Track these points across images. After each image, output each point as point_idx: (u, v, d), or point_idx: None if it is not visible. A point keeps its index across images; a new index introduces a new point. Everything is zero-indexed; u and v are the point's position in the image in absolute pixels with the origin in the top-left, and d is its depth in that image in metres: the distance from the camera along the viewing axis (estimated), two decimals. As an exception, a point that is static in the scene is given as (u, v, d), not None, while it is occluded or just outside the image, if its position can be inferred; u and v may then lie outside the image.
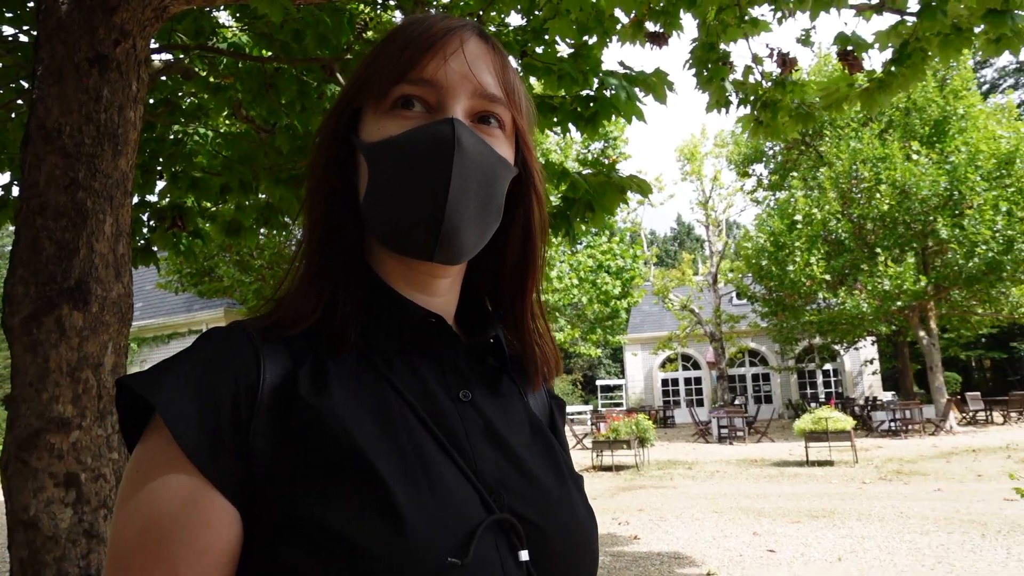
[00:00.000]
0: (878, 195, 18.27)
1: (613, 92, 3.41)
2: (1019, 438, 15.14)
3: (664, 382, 30.00)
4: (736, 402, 25.26)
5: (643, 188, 3.99)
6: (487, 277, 0.79)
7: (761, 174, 28.12)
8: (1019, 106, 35.22)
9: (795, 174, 22.37)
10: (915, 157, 18.34)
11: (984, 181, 17.44)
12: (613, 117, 3.80)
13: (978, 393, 21.51)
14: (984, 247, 16.83)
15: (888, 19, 4.01)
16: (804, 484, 10.54)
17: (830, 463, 12.65)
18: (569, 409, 28.36)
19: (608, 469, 13.55)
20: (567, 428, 19.58)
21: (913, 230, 18.49)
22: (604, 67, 3.87)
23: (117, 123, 2.38)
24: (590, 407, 29.62)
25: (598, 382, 33.86)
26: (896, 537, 6.73)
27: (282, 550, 0.56)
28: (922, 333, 19.36)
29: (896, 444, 15.61)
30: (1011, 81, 38.79)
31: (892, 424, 17.57)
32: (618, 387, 33.21)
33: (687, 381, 29.67)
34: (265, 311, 0.69)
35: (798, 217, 19.88)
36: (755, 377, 28.74)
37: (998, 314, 20.03)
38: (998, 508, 7.79)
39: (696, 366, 29.46)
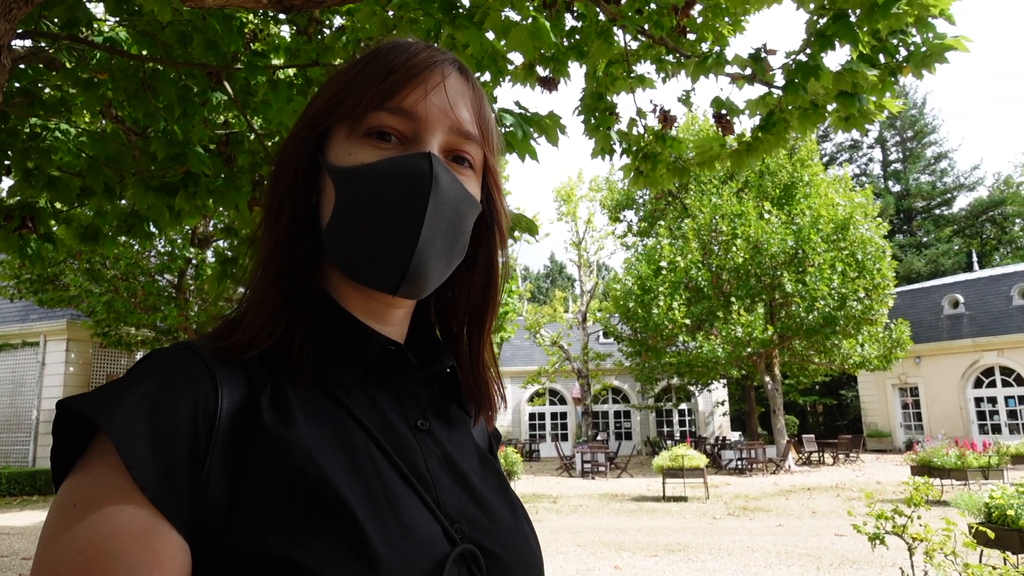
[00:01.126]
0: (734, 248, 19.74)
1: (509, 130, 3.48)
2: (846, 478, 16.63)
3: (532, 415, 30.43)
4: (599, 437, 26.04)
5: (531, 228, 4.07)
6: (442, 309, 0.78)
7: (631, 220, 29.60)
8: (853, 178, 39.47)
9: (662, 223, 23.73)
10: (767, 216, 20.02)
11: (824, 243, 19.34)
12: (507, 155, 3.89)
13: (812, 435, 23.48)
14: (822, 302, 18.57)
15: (758, 89, 4.41)
16: (661, 519, 10.99)
17: (684, 499, 13.29)
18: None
19: (473, 503, 13.47)
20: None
21: (763, 283, 20.08)
22: (499, 105, 3.96)
23: (-28, 111, 2.15)
24: (457, 439, 29.38)
25: (466, 414, 33.76)
26: (743, 570, 7.15)
27: None
28: (767, 378, 20.95)
29: (742, 481, 16.66)
30: (847, 155, 43.49)
31: (739, 462, 18.77)
32: (485, 420, 33.24)
33: (553, 416, 30.26)
34: (214, 332, 0.65)
35: (663, 263, 21.05)
36: (617, 414, 29.80)
37: (831, 363, 22.07)
38: (830, 543, 8.48)
39: (563, 401, 30.14)
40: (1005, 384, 25.36)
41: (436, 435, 0.68)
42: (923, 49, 3.91)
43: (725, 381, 27.59)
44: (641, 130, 5.34)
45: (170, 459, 0.53)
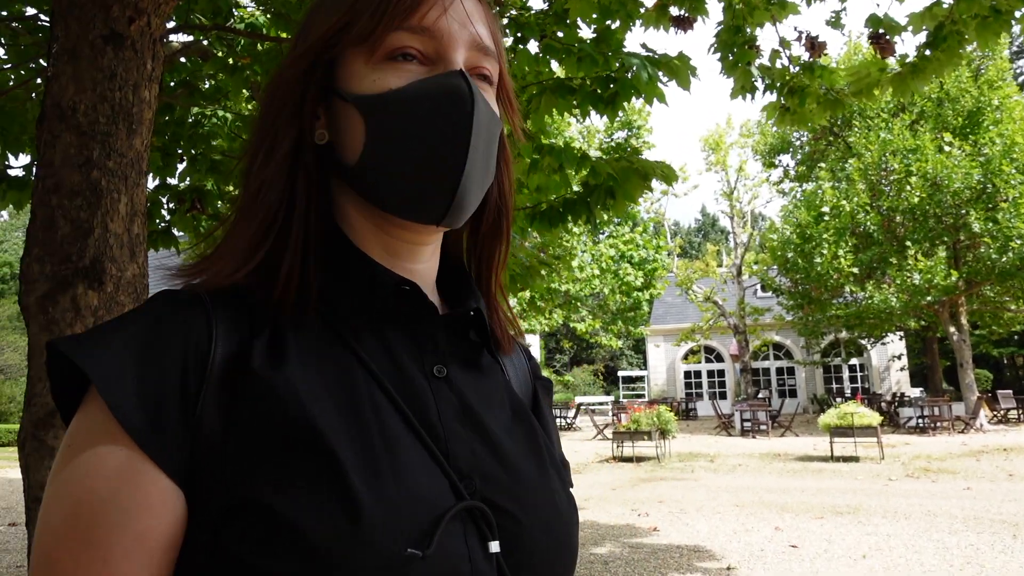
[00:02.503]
0: (908, 187, 17.90)
1: (634, 72, 3.33)
2: (1051, 437, 14.81)
3: (687, 374, 29.80)
4: (760, 395, 25.01)
5: (668, 175, 3.90)
6: (464, 241, 0.73)
7: (788, 165, 27.72)
8: (1058, 97, 34.19)
9: (823, 165, 21.98)
10: (947, 149, 17.92)
11: (1020, 174, 17.00)
12: (635, 100, 3.73)
13: (1010, 391, 21.08)
14: (1019, 241, 16.40)
15: (923, 0, 3.90)
16: (828, 480, 10.38)
17: (855, 459, 12.46)
18: (590, 399, 28.33)
19: (628, 460, 13.48)
20: (588, 418, 19.53)
21: (944, 223, 18.09)
22: (625, 50, 3.79)
23: (132, 102, 2.36)
24: (611, 398, 29.55)
25: (620, 373, 33.75)
26: (923, 536, 6.59)
27: (225, 536, 0.50)
28: (952, 329, 18.97)
29: (924, 441, 15.34)
30: (1051, 71, 37.74)
31: (920, 421, 17.26)
32: (640, 378, 33.07)
33: (710, 373, 29.44)
34: (189, 267, 0.62)
35: (826, 209, 19.55)
36: (779, 371, 28.42)
37: (1031, 310, 19.56)
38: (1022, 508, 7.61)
39: (719, 358, 29.21)
40: None
41: (455, 383, 0.63)
42: None
43: (902, 333, 25.32)
44: (786, 62, 4.92)
45: (158, 403, 0.52)
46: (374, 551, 0.49)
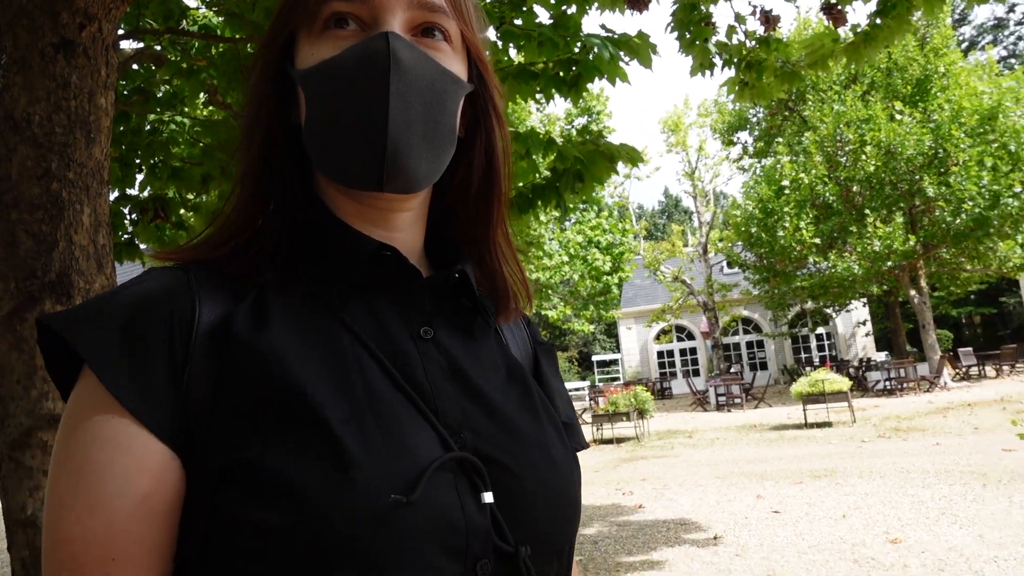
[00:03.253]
0: (863, 157, 18.28)
1: (596, 53, 3.34)
2: (1013, 390, 15.30)
3: (660, 354, 30.12)
4: (732, 370, 25.40)
5: (633, 157, 3.93)
6: (451, 207, 0.73)
7: (746, 142, 28.10)
8: (999, 62, 35.25)
9: (780, 140, 22.33)
10: (899, 117, 18.33)
11: (968, 138, 17.45)
12: (597, 83, 3.75)
13: (970, 349, 21.72)
14: (971, 203, 16.87)
15: (872, -30, 3.98)
16: (804, 446, 10.61)
17: (828, 424, 12.75)
18: (567, 385, 28.40)
19: (609, 442, 13.60)
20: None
21: (900, 190, 18.53)
22: (585, 32, 3.80)
23: (88, 110, 2.30)
24: (587, 383, 29.72)
25: (594, 358, 33.96)
26: (898, 492, 6.78)
27: (221, 497, 0.52)
28: (913, 292, 19.48)
29: (892, 402, 15.75)
30: (989, 38, 38.76)
31: (887, 383, 17.72)
32: (614, 362, 33.34)
33: (682, 352, 29.80)
34: (178, 247, 0.65)
35: (785, 183, 19.87)
36: (749, 344, 28.89)
37: (987, 270, 20.16)
38: (997, 459, 7.86)
39: (691, 336, 29.58)
40: None
41: (443, 344, 0.64)
42: None
43: (865, 300, 25.95)
44: (742, 37, 4.98)
45: (147, 371, 0.53)
46: (362, 499, 0.51)
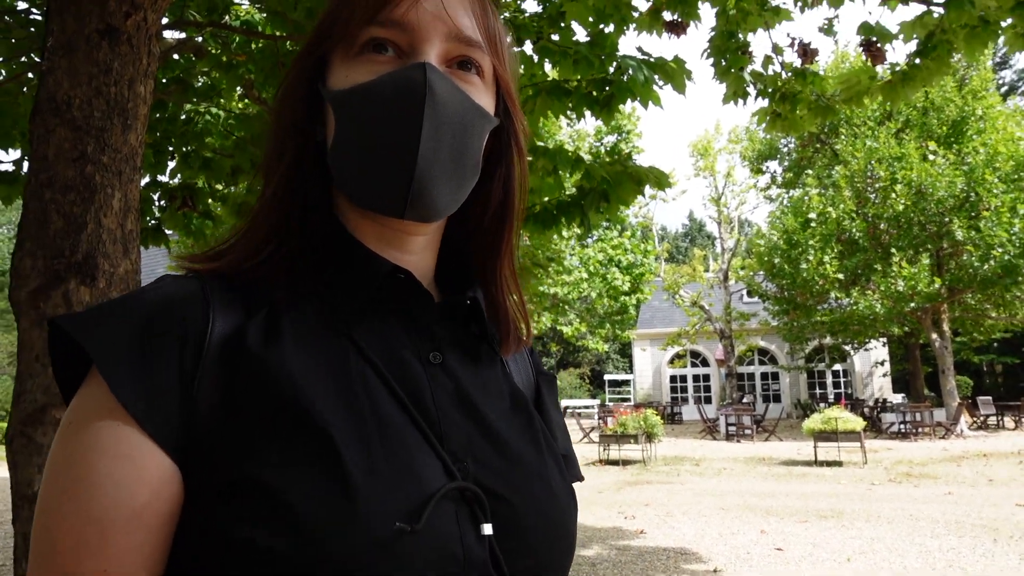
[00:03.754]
0: (893, 195, 18.08)
1: (630, 75, 3.34)
2: (1031, 443, 14.99)
3: (672, 378, 29.91)
4: (744, 400, 25.14)
5: (660, 180, 3.92)
6: (464, 234, 0.74)
7: (775, 171, 27.95)
8: (1039, 108, 34.72)
9: (810, 172, 22.19)
10: (932, 157, 18.13)
11: (1002, 183, 17.20)
12: (629, 104, 3.74)
13: (989, 398, 21.32)
14: (1000, 250, 16.60)
15: (914, 9, 3.95)
16: (812, 484, 10.46)
17: (839, 464, 12.56)
18: (576, 403, 28.34)
19: (615, 463, 13.50)
20: (574, 422, 19.56)
21: (928, 231, 18.29)
22: (621, 54, 3.80)
23: (127, 97, 2.34)
24: (598, 401, 29.58)
25: (606, 376, 33.81)
26: (906, 539, 6.65)
27: (221, 514, 0.51)
28: (934, 336, 19.17)
29: (906, 446, 15.48)
30: (1031, 83, 38.27)
31: (902, 426, 17.43)
32: (626, 382, 33.15)
33: (695, 378, 29.57)
34: (210, 252, 0.65)
35: (812, 215, 19.71)
36: (764, 376, 28.60)
37: (1012, 318, 19.81)
38: (1010, 513, 7.69)
39: (705, 363, 29.35)
40: None
41: (451, 370, 0.64)
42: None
43: (885, 340, 25.60)
44: (778, 68, 4.96)
45: (156, 379, 0.53)
46: (366, 527, 0.50)
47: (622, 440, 13.28)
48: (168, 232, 4.46)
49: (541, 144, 4.07)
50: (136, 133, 2.37)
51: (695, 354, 29.45)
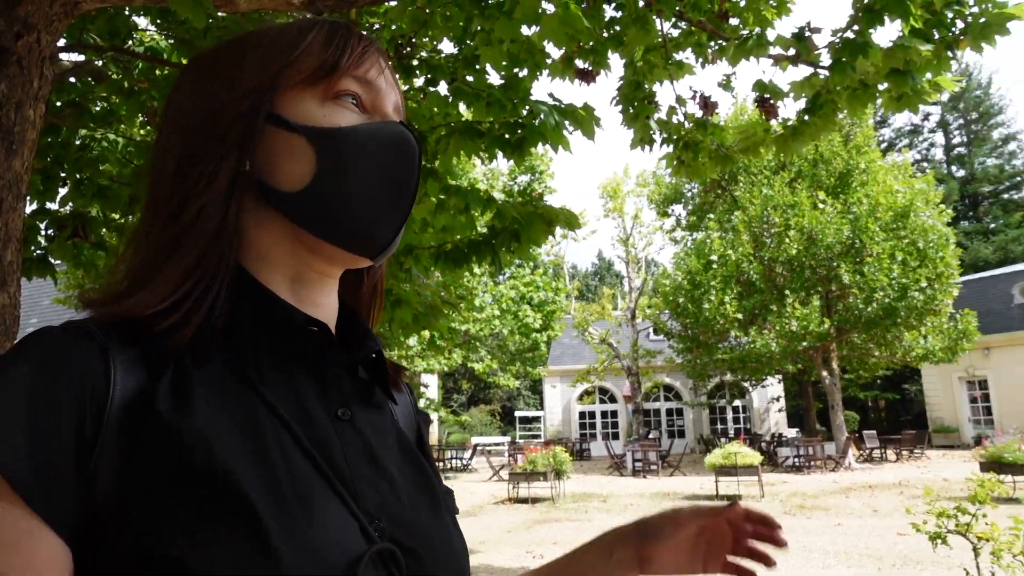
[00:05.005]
0: (787, 240, 19.22)
1: (542, 119, 3.44)
2: (911, 475, 16.01)
3: (582, 414, 30.27)
4: (650, 436, 25.72)
5: (571, 222, 4.02)
6: (349, 285, 0.75)
7: (680, 215, 29.16)
8: (913, 164, 38.04)
9: (711, 216, 23.29)
10: (821, 206, 19.43)
11: (882, 231, 18.64)
12: (540, 147, 3.84)
13: (874, 432, 22.70)
14: (881, 293, 17.92)
15: (803, 71, 4.26)
16: (714, 518, 10.74)
17: (739, 497, 12.99)
18: (487, 440, 28.18)
19: (524, 501, 13.46)
20: (484, 458, 19.41)
21: (819, 274, 19.50)
22: (533, 98, 3.91)
23: (14, 120, 2.21)
24: (508, 438, 29.51)
25: (516, 413, 33.85)
26: (799, 571, 6.93)
27: None
28: (825, 373, 20.33)
29: (799, 479, 16.21)
30: (906, 141, 41.92)
31: (796, 460, 18.27)
32: (536, 419, 33.28)
33: (604, 414, 30.04)
34: (102, 299, 0.59)
35: (714, 257, 20.64)
36: (669, 412, 29.40)
37: (892, 357, 21.29)
38: (892, 542, 8.16)
39: (612, 399, 29.89)
40: (1083, 375, 24.09)
41: (358, 424, 0.63)
42: (981, 20, 3.69)
43: (780, 377, 26.93)
44: (681, 118, 5.22)
45: (50, 454, 0.49)
46: None
47: (531, 478, 13.28)
48: (55, 262, 4.18)
49: (454, 183, 4.10)
50: (22, 159, 2.23)
51: (603, 391, 29.97)
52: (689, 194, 28.28)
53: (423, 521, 0.62)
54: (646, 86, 5.04)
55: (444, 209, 4.03)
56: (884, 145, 41.04)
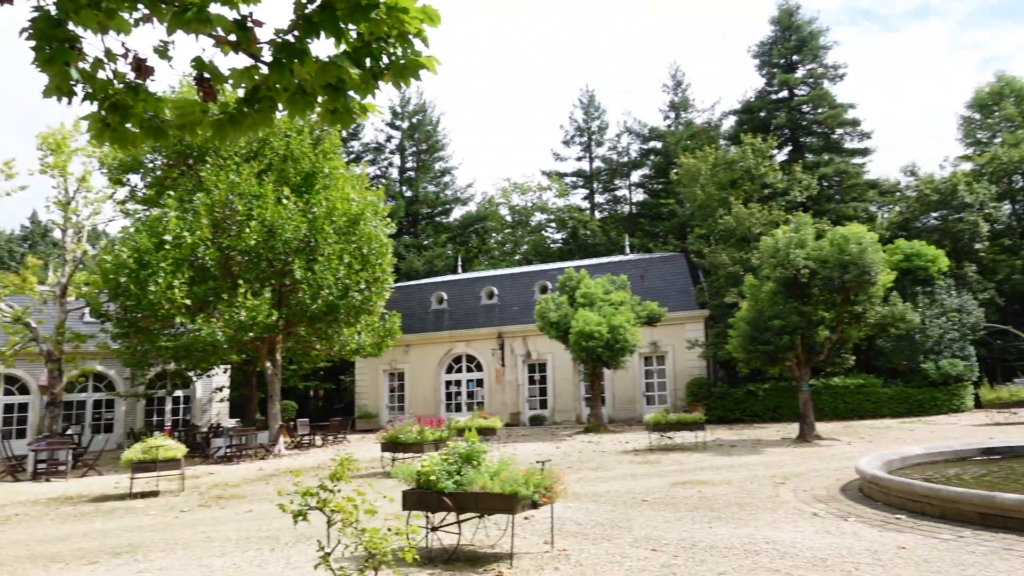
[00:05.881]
0: (248, 230, 19.21)
1: None
2: (330, 458, 17.65)
3: (-26, 407, 24.47)
4: (69, 432, 22.38)
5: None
6: None
7: (136, 186, 26.37)
8: (372, 179, 42.73)
9: (172, 193, 21.70)
10: (285, 201, 20.04)
11: (335, 234, 20.27)
12: None
13: (307, 419, 24.38)
14: (327, 291, 19.42)
15: (245, 60, 4.23)
16: (118, 519, 9.84)
17: (155, 494, 12.24)
18: None
19: None
20: None
21: (274, 267, 20.02)
22: None
23: None
24: None
25: None
26: (193, 562, 6.81)
27: None
28: (268, 364, 20.93)
29: (228, 469, 16.21)
30: (371, 157, 46.82)
31: (228, 450, 18.25)
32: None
33: (8, 408, 24.91)
34: None
35: (168, 237, 19.23)
36: (97, 403, 26.13)
37: (331, 350, 23.28)
38: (289, 523, 8.68)
39: (25, 390, 25.07)
40: (468, 370, 30.69)
41: None
42: (401, 61, 4.18)
43: (228, 367, 26.69)
44: (110, 75, 4.61)
45: None
46: None
47: None
48: None
49: None
50: None
51: (12, 380, 24.87)
52: (151, 165, 25.81)
53: None
54: (69, 26, 4.29)
55: None
56: (353, 156, 45.08)
